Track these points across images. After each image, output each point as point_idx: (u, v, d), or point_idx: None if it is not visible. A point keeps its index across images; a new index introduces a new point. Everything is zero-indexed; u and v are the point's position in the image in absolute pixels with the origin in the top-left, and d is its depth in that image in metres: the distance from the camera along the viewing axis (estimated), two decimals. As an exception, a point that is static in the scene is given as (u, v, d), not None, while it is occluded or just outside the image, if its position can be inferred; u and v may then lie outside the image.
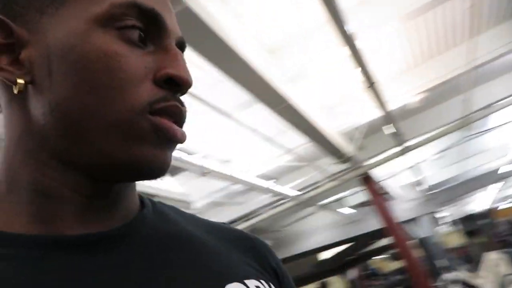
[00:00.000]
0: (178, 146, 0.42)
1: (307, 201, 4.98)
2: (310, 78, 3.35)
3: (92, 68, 0.35)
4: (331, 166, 4.71)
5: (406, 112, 4.75)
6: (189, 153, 3.64)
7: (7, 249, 0.35)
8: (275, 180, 5.23)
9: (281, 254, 7.34)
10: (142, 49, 0.38)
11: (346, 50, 2.59)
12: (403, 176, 6.61)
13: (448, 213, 11.10)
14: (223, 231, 0.51)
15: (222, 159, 4.38)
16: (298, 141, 3.96)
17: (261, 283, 0.45)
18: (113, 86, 0.36)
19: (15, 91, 0.36)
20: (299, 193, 4.98)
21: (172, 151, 0.39)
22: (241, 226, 5.44)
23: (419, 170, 6.46)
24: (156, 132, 0.37)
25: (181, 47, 0.42)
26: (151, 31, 0.39)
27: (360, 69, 2.82)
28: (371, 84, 3.04)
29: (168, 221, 0.46)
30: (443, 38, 3.83)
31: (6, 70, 0.37)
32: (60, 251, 0.36)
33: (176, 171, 3.65)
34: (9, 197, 0.38)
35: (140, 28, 0.38)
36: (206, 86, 2.84)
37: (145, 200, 0.46)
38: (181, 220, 0.47)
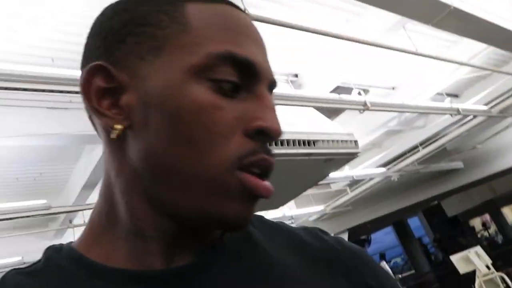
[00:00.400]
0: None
1: (502, 112, 4.31)
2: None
3: (186, 121, 0.36)
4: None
5: None
6: (352, 88, 3.57)
7: (110, 284, 0.38)
8: (455, 97, 4.67)
9: (479, 174, 6.66)
10: (234, 99, 0.38)
11: None
12: None
13: None
14: (311, 249, 0.48)
15: (388, 90, 4.14)
16: (472, 50, 3.40)
17: None
18: (205, 140, 0.36)
19: (112, 136, 0.38)
20: (485, 107, 4.33)
21: (255, 205, 0.39)
22: (425, 151, 5.13)
23: None
24: (243, 190, 0.37)
25: (272, 88, 0.42)
26: (245, 79, 0.39)
27: None
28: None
29: (251, 242, 0.46)
30: None
31: (106, 115, 0.39)
32: (149, 285, 0.38)
33: (338, 112, 3.65)
34: (110, 231, 0.41)
35: (233, 80, 0.38)
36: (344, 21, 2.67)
37: None
38: (263, 240, 0.46)
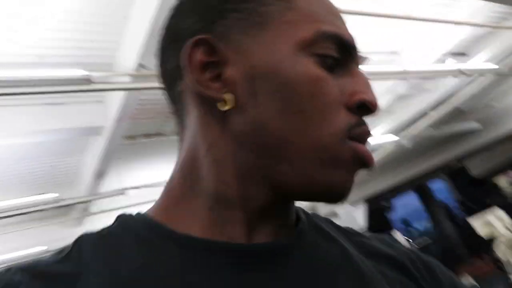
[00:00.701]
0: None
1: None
2: None
3: (298, 92, 0.38)
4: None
5: None
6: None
7: (191, 252, 0.38)
8: (462, 55, 4.50)
9: (499, 132, 6.45)
10: (334, 74, 0.40)
11: None
12: None
13: None
14: (377, 250, 0.49)
15: (391, 54, 4.02)
16: (475, 7, 3.24)
17: None
18: (316, 110, 0.38)
19: (222, 108, 0.39)
20: (493, 66, 4.15)
21: (355, 176, 0.41)
22: (437, 113, 5.00)
23: None
24: (355, 158, 0.39)
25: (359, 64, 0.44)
26: (343, 56, 0.41)
27: None
28: None
29: (325, 236, 0.46)
30: None
31: (211, 88, 0.39)
32: (233, 258, 0.38)
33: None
34: (192, 200, 0.41)
35: (335, 56, 0.40)
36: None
37: (299, 212, 0.47)
38: (337, 236, 0.47)
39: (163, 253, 0.37)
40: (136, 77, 2.45)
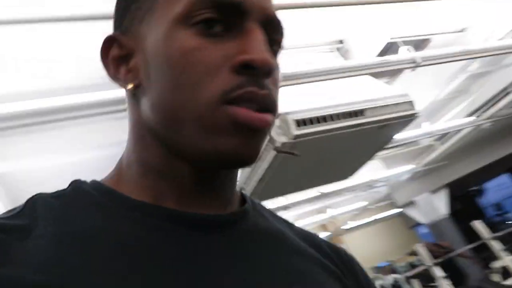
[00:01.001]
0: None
1: None
2: None
3: (174, 66, 0.39)
4: None
5: None
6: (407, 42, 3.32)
7: (134, 213, 0.41)
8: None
9: None
10: (222, 38, 0.40)
11: None
12: None
13: None
14: (309, 236, 0.55)
15: (456, 34, 3.72)
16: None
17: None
18: (191, 80, 0.39)
19: (128, 95, 0.45)
20: None
21: (259, 138, 0.40)
22: None
23: None
24: (233, 123, 0.38)
25: (271, 24, 0.43)
26: (230, 17, 0.40)
27: None
28: None
29: (264, 217, 0.51)
30: None
31: (121, 79, 0.44)
32: (177, 224, 0.41)
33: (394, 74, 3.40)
34: (129, 171, 0.45)
35: (218, 19, 0.40)
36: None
37: (246, 197, 0.52)
38: (274, 220, 0.53)
39: (114, 215, 0.40)
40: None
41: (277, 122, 2.60)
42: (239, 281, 0.40)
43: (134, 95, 0.44)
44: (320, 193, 4.99)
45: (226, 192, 0.47)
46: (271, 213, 0.54)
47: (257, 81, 0.39)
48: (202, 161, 0.41)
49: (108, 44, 0.45)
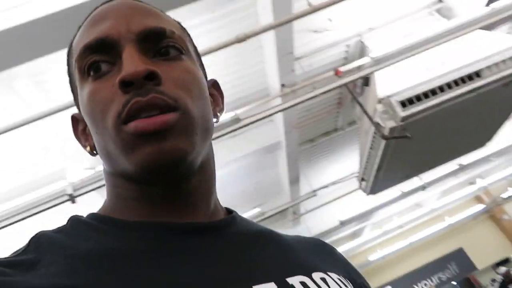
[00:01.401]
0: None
1: None
2: None
3: (88, 115, 0.45)
4: None
5: None
6: None
7: (129, 231, 0.44)
8: None
9: None
10: (111, 72, 0.44)
11: None
12: None
13: None
14: (298, 238, 0.59)
15: None
16: None
17: (328, 275, 0.48)
18: (100, 118, 0.43)
19: (92, 155, 0.51)
20: None
21: (169, 137, 0.41)
22: None
23: None
24: (136, 136, 0.40)
25: (147, 37, 0.45)
26: (107, 52, 0.44)
27: None
28: None
29: (252, 224, 0.55)
30: None
31: (85, 146, 0.51)
32: (171, 234, 0.44)
33: None
34: (116, 203, 0.49)
35: (101, 60, 0.44)
36: None
37: (232, 210, 0.56)
38: (262, 227, 0.56)
39: (114, 235, 0.43)
40: (283, 97, 2.66)
41: (381, 107, 2.48)
42: (242, 271, 0.43)
43: (93, 152, 0.50)
44: (459, 166, 4.53)
45: (203, 202, 0.49)
46: (259, 225, 0.57)
47: (138, 92, 0.41)
48: (140, 179, 0.44)
49: (74, 123, 0.53)
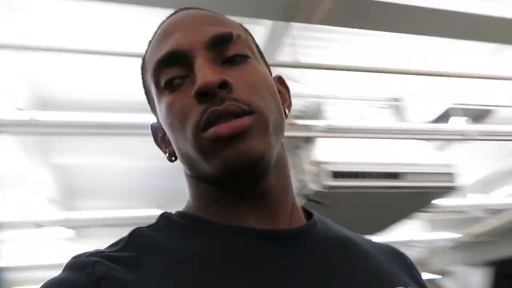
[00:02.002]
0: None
1: None
2: None
3: (168, 126, 0.48)
4: None
5: None
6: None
7: (229, 236, 0.46)
8: None
9: None
10: (184, 84, 0.46)
11: None
12: None
13: None
14: (376, 244, 0.59)
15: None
16: None
17: None
18: (179, 128, 0.46)
19: (170, 160, 0.53)
20: None
21: (245, 139, 0.43)
22: None
23: None
24: (215, 141, 0.43)
25: (214, 44, 0.47)
26: (182, 65, 0.46)
27: None
28: None
29: (334, 229, 0.55)
30: None
31: (166, 152, 0.54)
32: (261, 241, 0.46)
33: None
34: (200, 204, 0.51)
35: (174, 75, 0.47)
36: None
37: (311, 211, 0.56)
38: (341, 229, 0.56)
39: (205, 238, 0.46)
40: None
41: (313, 169, 2.65)
42: (327, 285, 0.44)
43: (171, 158, 0.53)
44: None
45: (281, 203, 0.50)
46: (339, 226, 0.58)
47: (213, 101, 0.43)
48: (221, 181, 0.46)
49: (153, 131, 0.56)
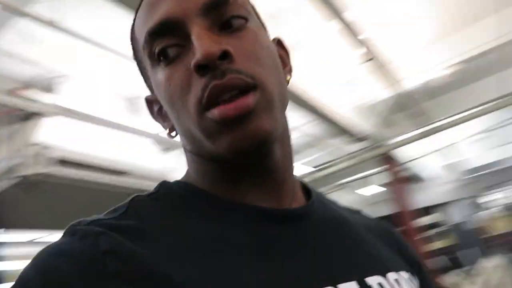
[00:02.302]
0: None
1: (321, 180, 4.78)
2: (304, 52, 3.07)
3: (165, 100, 0.45)
4: (347, 144, 4.45)
5: (433, 90, 4.31)
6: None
7: (235, 215, 0.45)
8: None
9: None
10: (181, 56, 0.43)
11: (337, 23, 2.34)
12: (439, 157, 6.10)
13: (500, 196, 10.26)
14: (368, 222, 0.59)
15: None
16: (301, 120, 3.74)
17: (400, 275, 0.50)
18: (179, 105, 0.43)
19: (169, 135, 0.51)
20: (313, 169, 4.78)
21: (252, 118, 0.41)
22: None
23: (458, 151, 5.92)
24: (217, 125, 0.41)
25: (209, 8, 0.43)
26: (173, 35, 0.43)
27: (358, 43, 2.53)
28: (369, 59, 2.75)
29: (330, 208, 0.55)
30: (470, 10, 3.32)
31: (164, 126, 0.51)
32: (268, 221, 0.45)
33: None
34: (201, 177, 0.49)
35: (169, 44, 0.43)
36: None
37: (310, 188, 0.55)
38: (338, 208, 0.57)
39: (214, 217, 0.45)
40: None
41: (33, 150, 2.32)
42: (326, 267, 0.44)
43: (171, 134, 0.51)
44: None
45: (286, 180, 0.50)
46: (333, 201, 0.59)
47: (214, 74, 0.40)
48: (227, 161, 0.45)
49: (149, 104, 0.52)
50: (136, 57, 0.52)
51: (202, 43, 0.41)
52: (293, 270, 0.42)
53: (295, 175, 0.54)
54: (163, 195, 0.47)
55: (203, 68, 0.40)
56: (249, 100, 0.41)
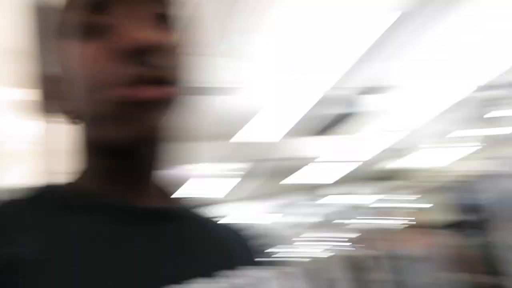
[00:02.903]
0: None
1: None
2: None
3: (76, 78, 0.43)
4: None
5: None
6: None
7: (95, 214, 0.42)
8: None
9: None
10: (103, 35, 0.41)
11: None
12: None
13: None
14: (219, 230, 0.55)
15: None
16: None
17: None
18: (91, 85, 0.41)
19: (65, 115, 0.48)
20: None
21: (159, 111, 0.41)
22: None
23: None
24: (129, 104, 0.40)
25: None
26: (102, 10, 0.42)
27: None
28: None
29: (188, 212, 0.53)
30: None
31: (59, 110, 0.48)
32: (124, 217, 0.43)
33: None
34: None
35: (91, 20, 0.41)
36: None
37: (167, 188, 0.52)
38: (194, 216, 0.54)
39: (77, 215, 0.42)
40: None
41: None
42: (173, 267, 0.43)
43: None
44: None
45: (151, 172, 0.48)
46: (190, 210, 0.56)
47: (136, 61, 0.40)
48: (118, 151, 0.44)
49: (43, 83, 0.51)
50: (39, 26, 0.50)
51: (128, 27, 0.40)
52: (128, 264, 0.41)
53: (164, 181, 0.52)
54: (30, 199, 0.45)
55: (127, 53, 0.40)
56: (162, 91, 0.41)
